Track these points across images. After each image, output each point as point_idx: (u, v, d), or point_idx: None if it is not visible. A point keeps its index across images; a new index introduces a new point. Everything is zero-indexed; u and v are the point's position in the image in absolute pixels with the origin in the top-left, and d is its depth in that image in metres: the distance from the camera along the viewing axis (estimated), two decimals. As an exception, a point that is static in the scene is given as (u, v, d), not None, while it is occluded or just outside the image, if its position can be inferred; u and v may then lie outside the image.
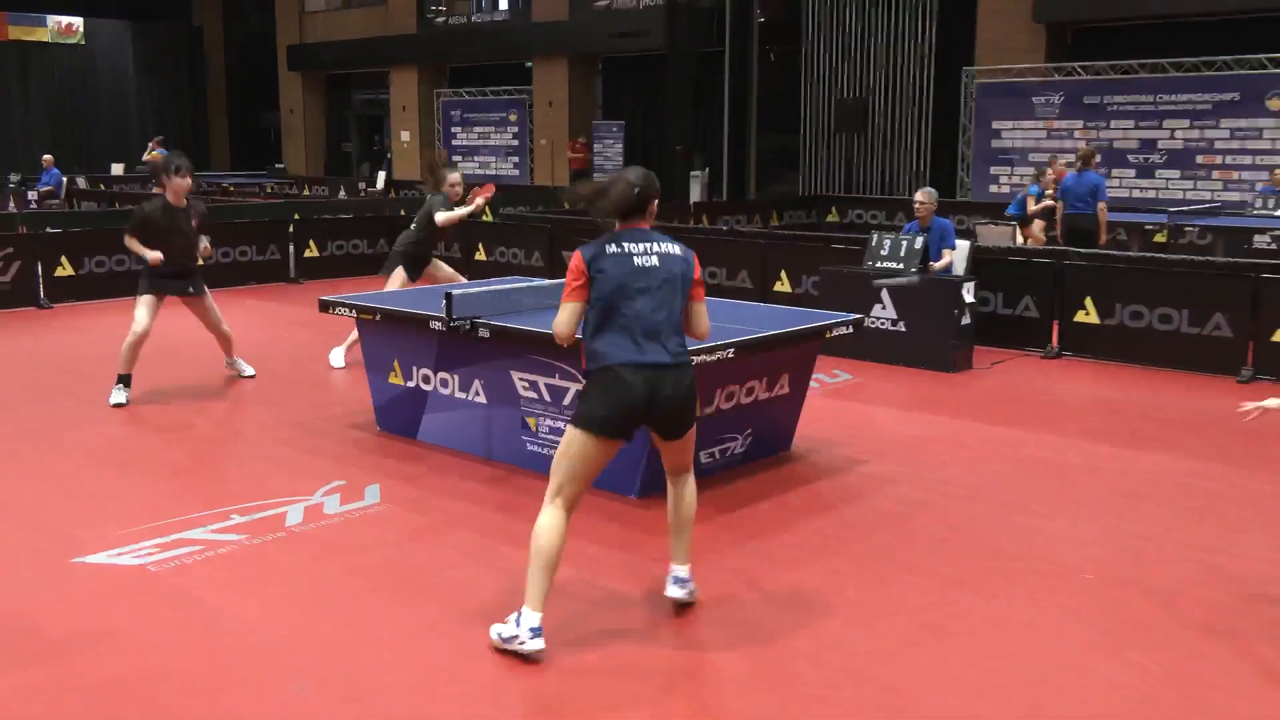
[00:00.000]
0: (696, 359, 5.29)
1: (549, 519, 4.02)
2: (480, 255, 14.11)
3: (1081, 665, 3.99)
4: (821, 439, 6.86)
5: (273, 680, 3.84)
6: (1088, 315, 9.39)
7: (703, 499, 5.63)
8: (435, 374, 6.62)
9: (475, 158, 28.05)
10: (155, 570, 4.77)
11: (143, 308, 7.66)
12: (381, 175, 24.75)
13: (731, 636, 4.20)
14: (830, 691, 3.80)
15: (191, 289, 7.92)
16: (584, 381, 4.12)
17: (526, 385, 6.10)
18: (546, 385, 5.99)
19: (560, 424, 5.93)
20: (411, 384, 6.77)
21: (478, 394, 6.39)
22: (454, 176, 8.86)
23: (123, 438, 7.04)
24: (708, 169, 23.02)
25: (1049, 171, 13.40)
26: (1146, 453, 6.74)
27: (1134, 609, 4.48)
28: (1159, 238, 14.04)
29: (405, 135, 29.11)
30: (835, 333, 6.41)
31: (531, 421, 6.12)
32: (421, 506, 5.65)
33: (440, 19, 28.57)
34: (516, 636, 3.92)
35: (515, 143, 27.35)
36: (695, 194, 21.51)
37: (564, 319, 4.11)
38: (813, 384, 6.98)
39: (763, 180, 24.54)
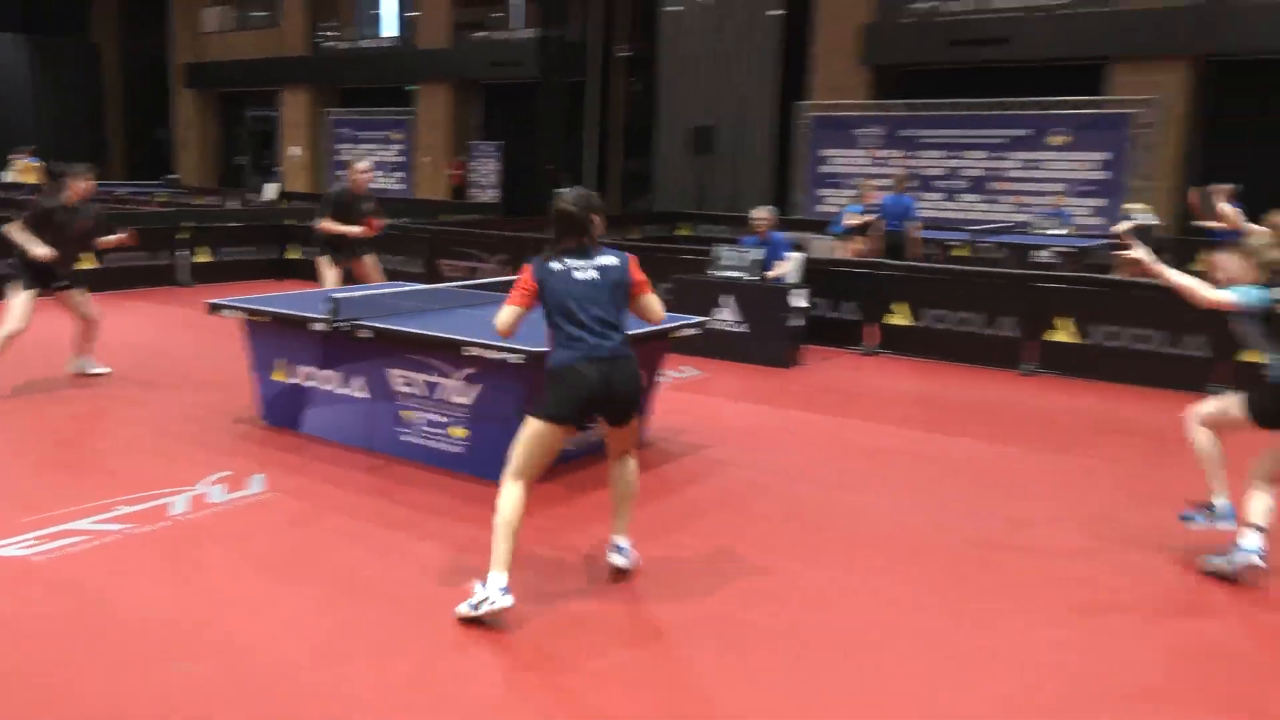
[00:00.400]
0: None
1: (511, 494, 4.11)
2: (365, 262, 13.73)
3: (891, 618, 4.10)
4: (671, 428, 6.89)
5: (160, 661, 3.65)
6: (900, 318, 9.69)
7: (563, 482, 5.63)
8: (318, 371, 6.41)
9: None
10: (39, 560, 4.47)
11: (21, 304, 7.21)
12: (272, 187, 23.90)
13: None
14: (690, 637, 3.81)
15: (70, 284, 7.53)
16: (546, 378, 4.18)
17: (403, 382, 5.96)
18: (422, 382, 5.86)
19: (434, 416, 5.82)
20: (295, 380, 6.54)
21: (357, 389, 6.22)
22: (359, 165, 8.92)
23: (1, 432, 6.61)
24: (579, 186, 22.95)
25: (865, 195, 13.75)
26: (950, 436, 6.98)
27: (939, 568, 4.63)
28: (962, 252, 14.56)
29: (296, 150, 28.21)
30: (683, 333, 6.45)
31: (407, 415, 5.98)
32: (304, 494, 5.46)
33: (330, 43, 27.80)
34: (487, 598, 3.91)
35: (400, 159, 26.80)
36: (563, 209, 21.38)
37: (505, 318, 4.29)
38: (664, 379, 7.01)
39: (625, 198, 24.61)
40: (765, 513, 5.37)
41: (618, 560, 4.48)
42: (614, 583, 4.41)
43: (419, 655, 3.75)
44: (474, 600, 3.97)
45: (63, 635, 3.82)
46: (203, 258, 13.57)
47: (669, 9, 22.48)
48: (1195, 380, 8.27)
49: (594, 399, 4.12)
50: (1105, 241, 13.88)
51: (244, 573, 4.43)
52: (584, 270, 4.16)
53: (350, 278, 8.92)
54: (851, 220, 13.22)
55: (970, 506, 5.54)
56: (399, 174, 26.80)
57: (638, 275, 4.31)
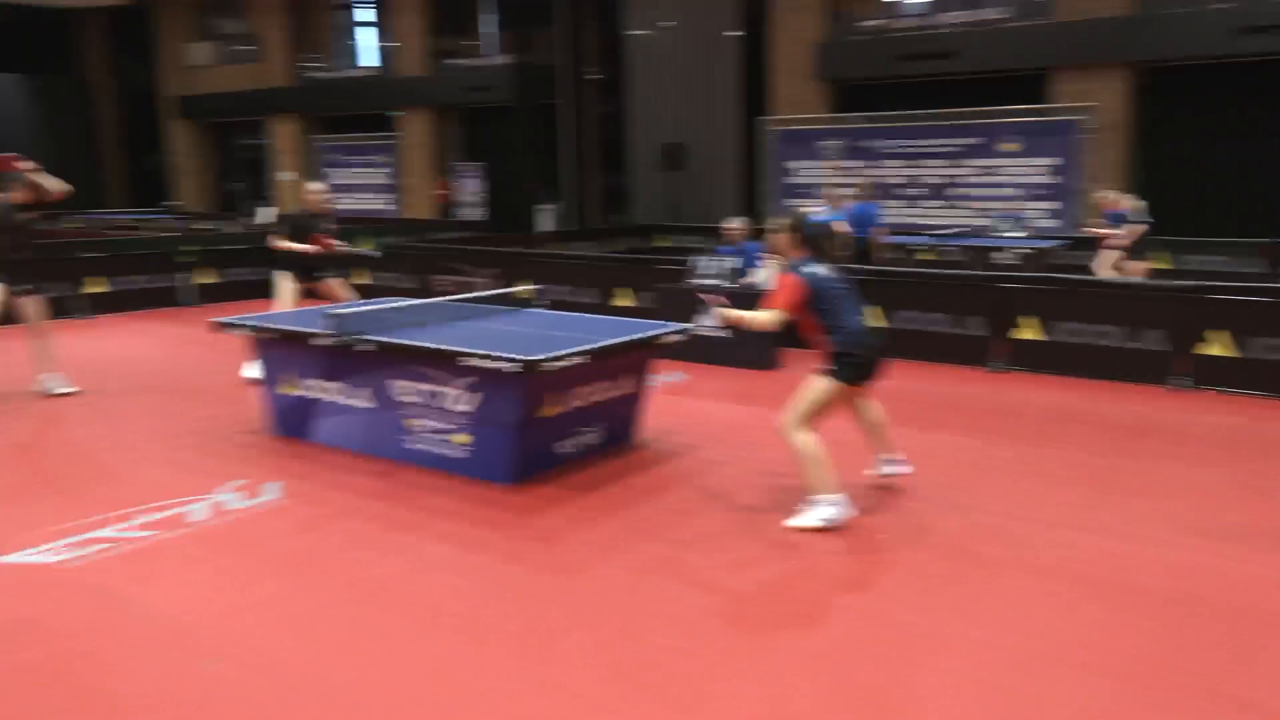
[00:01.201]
0: (553, 365, 5.29)
1: (808, 436, 5.00)
2: (361, 279, 13.70)
3: (869, 604, 4.15)
4: (663, 429, 6.91)
5: (183, 659, 3.64)
6: (872, 320, 9.72)
7: (563, 483, 5.65)
8: (325, 383, 6.39)
9: (353, 194, 27.31)
10: (68, 567, 4.46)
11: None
12: (267, 210, 23.75)
13: (598, 599, 4.20)
14: (679, 635, 3.84)
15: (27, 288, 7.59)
16: (834, 352, 5.01)
17: (405, 391, 5.95)
18: (423, 391, 5.86)
19: (437, 424, 5.82)
20: (303, 393, 6.52)
21: (362, 400, 6.21)
22: (310, 186, 8.85)
23: (22, 446, 6.55)
24: (563, 203, 22.99)
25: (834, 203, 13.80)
26: (925, 431, 7.03)
27: (905, 554, 4.68)
28: (927, 256, 14.69)
29: (287, 175, 28.08)
30: (670, 339, 6.47)
31: (411, 423, 5.98)
32: (315, 499, 5.45)
33: (313, 73, 27.73)
34: (832, 507, 4.92)
35: (388, 181, 26.73)
36: (545, 224, 21.42)
37: (774, 319, 5.09)
38: (653, 383, 7.03)
39: (604, 213, 24.65)
40: (751, 507, 5.39)
41: (889, 470, 5.62)
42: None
43: (434, 652, 3.75)
44: (820, 513, 4.91)
45: (93, 636, 3.81)
46: (205, 278, 13.48)
47: (635, 33, 22.59)
48: (1156, 372, 8.38)
49: (871, 367, 5.14)
50: (1061, 241, 14.05)
51: (262, 574, 4.42)
52: (831, 273, 5.11)
53: (313, 297, 8.78)
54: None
55: (948, 497, 5.60)
56: (387, 195, 26.75)
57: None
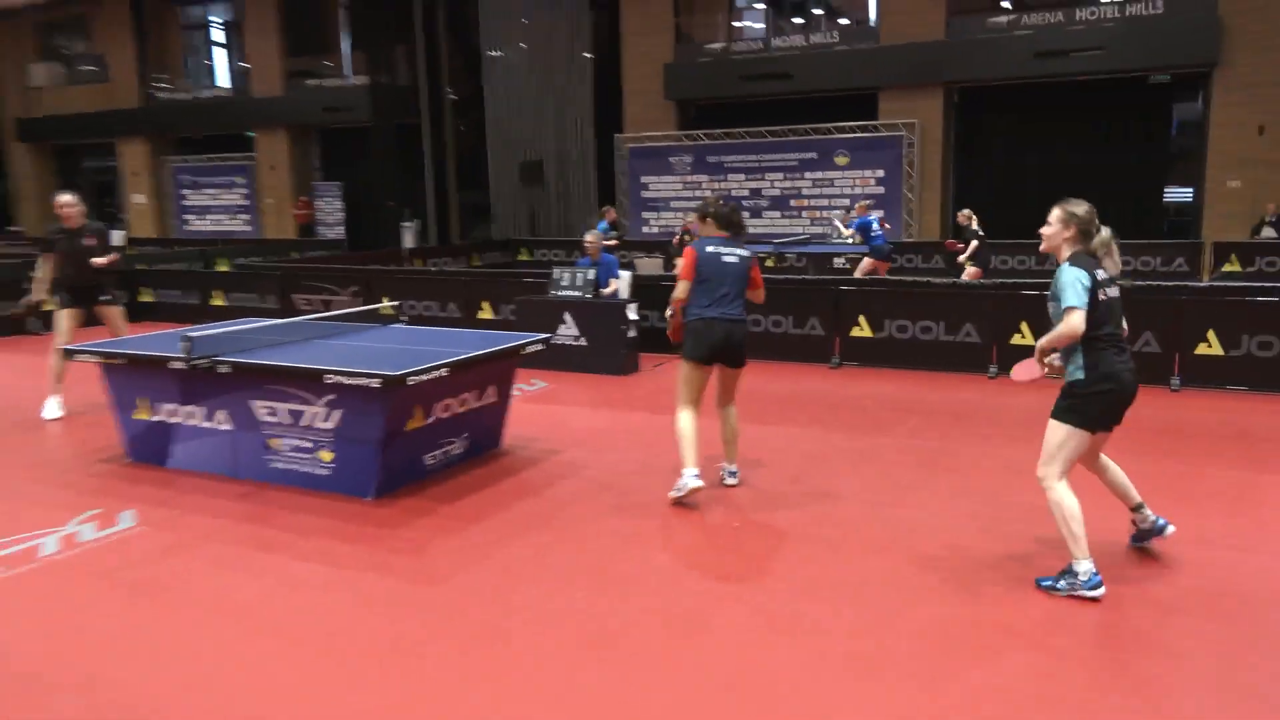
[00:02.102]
0: (414, 379, 5.19)
1: (686, 415, 5.38)
2: (218, 301, 13.11)
3: (725, 591, 4.23)
4: (525, 436, 6.88)
5: (38, 696, 3.39)
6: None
7: (428, 494, 5.55)
8: (181, 407, 6.08)
9: (208, 216, 26.06)
10: (-96, 614, 4.08)
11: None
12: (118, 234, 22.42)
13: (474, 598, 4.14)
14: (548, 628, 3.82)
15: None
16: (686, 329, 5.35)
17: (267, 411, 5.73)
18: (285, 410, 5.65)
19: (300, 442, 5.62)
20: (158, 417, 6.18)
21: (222, 422, 5.93)
22: (61, 199, 7.68)
23: None
24: (418, 220, 22.54)
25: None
26: (770, 425, 7.22)
27: (759, 542, 4.80)
28: (769, 263, 15.11)
29: (139, 198, 26.59)
30: (530, 349, 6.44)
31: (274, 443, 5.75)
32: (176, 525, 5.16)
33: (163, 93, 26.35)
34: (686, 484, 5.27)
35: (245, 201, 25.65)
36: (408, 241, 20.98)
37: (680, 291, 5.34)
38: (515, 392, 6.99)
39: (465, 228, 24.33)
40: (611, 506, 5.42)
41: (731, 481, 5.66)
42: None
43: (299, 672, 3.62)
44: (679, 486, 5.20)
45: (-65, 687, 3.50)
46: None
47: (491, 54, 22.41)
48: (976, 363, 8.86)
49: (716, 346, 5.30)
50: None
51: (121, 605, 4.16)
52: (728, 256, 5.34)
53: (95, 322, 7.94)
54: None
55: (779, 479, 5.77)
56: (244, 216, 25.67)
57: (755, 269, 5.41)
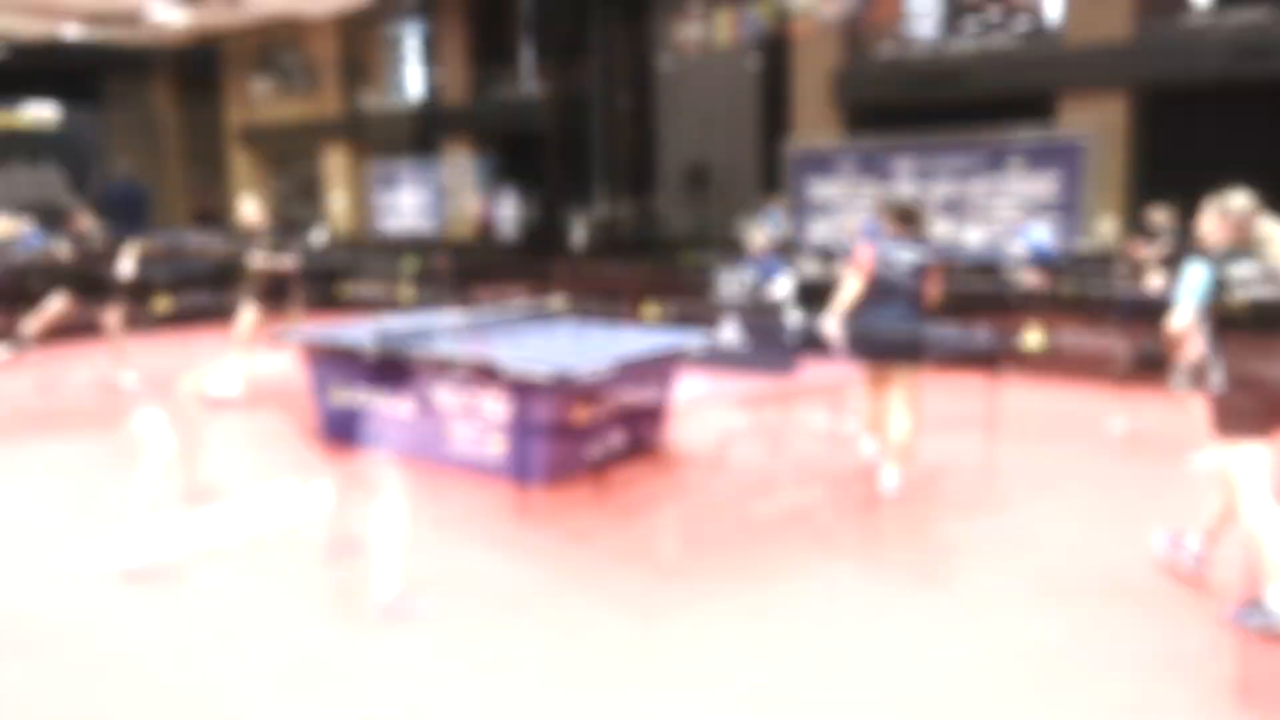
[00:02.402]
0: (586, 375, 5.39)
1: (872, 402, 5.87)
2: (405, 294, 13.92)
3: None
4: (687, 434, 6.98)
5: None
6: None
7: (591, 485, 5.74)
8: (372, 393, 6.54)
9: (399, 216, 27.64)
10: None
11: None
12: (320, 233, 24.13)
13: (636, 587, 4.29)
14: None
15: None
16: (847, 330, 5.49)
17: (446, 399, 6.08)
18: (463, 399, 5.99)
19: (472, 429, 5.94)
20: (351, 401, 6.67)
21: (408, 408, 6.34)
22: (244, 205, 8.61)
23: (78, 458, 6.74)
24: (594, 221, 23.23)
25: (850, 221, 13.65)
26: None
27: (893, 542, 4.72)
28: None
29: (339, 199, 28.48)
30: (692, 349, 6.54)
31: (452, 427, 6.10)
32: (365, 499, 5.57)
33: (363, 103, 28.12)
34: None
35: (431, 201, 27.07)
36: (576, 242, 21.60)
37: (849, 289, 5.48)
38: (681, 390, 7.10)
39: (632, 231, 24.76)
40: (776, 505, 5.45)
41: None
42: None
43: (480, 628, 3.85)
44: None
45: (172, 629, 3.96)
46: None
47: (662, 64, 22.80)
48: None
49: (896, 346, 5.41)
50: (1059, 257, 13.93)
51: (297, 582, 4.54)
52: (900, 253, 5.45)
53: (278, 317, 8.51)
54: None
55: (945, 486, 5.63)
56: (430, 216, 27.07)
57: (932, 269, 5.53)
